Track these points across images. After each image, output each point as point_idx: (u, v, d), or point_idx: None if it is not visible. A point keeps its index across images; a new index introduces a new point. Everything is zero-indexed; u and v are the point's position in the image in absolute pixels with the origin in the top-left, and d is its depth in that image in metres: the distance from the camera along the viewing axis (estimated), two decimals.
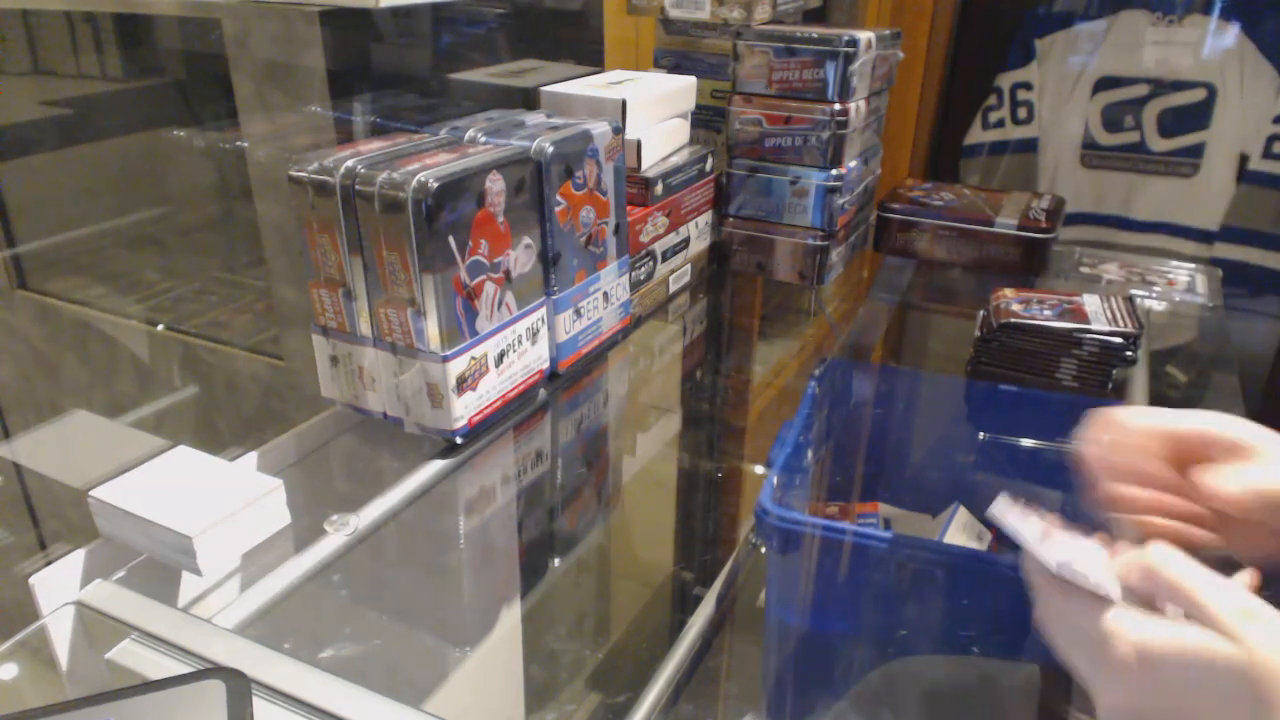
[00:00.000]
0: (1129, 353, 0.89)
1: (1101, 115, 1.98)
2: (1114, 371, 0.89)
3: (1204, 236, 1.96)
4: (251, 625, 0.54)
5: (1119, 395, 0.88)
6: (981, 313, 0.96)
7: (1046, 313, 0.91)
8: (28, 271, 1.41)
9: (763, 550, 0.79)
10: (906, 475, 1.23)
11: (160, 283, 1.38)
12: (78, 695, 0.41)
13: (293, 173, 0.64)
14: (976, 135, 2.10)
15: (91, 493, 0.56)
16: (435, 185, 0.60)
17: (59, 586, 0.53)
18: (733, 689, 0.86)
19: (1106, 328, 0.89)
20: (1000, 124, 2.07)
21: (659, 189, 0.92)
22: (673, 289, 1.01)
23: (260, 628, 0.54)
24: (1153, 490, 0.49)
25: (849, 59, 0.95)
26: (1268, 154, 1.85)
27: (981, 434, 1.14)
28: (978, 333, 0.94)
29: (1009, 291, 0.96)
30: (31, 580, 0.52)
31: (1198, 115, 1.90)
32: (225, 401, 1.26)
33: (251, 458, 0.66)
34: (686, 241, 1.01)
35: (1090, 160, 2.02)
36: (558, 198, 0.73)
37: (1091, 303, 0.94)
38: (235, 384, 1.23)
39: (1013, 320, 0.90)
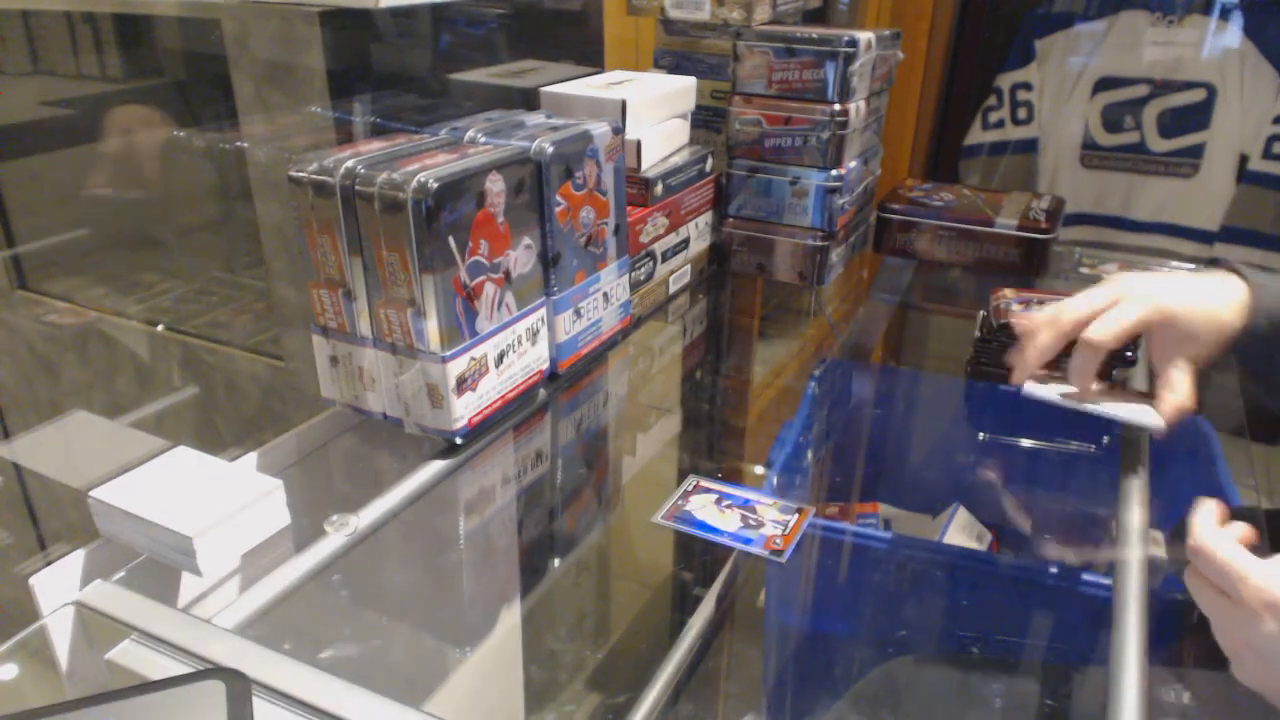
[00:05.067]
0: (1129, 353, 0.88)
1: (1101, 116, 1.99)
2: (1114, 372, 0.89)
3: (1204, 237, 1.96)
4: (251, 626, 0.54)
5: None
6: (981, 313, 0.96)
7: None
8: (28, 271, 1.42)
9: None
10: (906, 475, 1.23)
11: (160, 283, 1.38)
12: (78, 696, 0.41)
13: (292, 173, 0.64)
14: (976, 135, 2.10)
15: (91, 493, 0.56)
16: (435, 186, 0.60)
17: (59, 587, 0.53)
18: (732, 689, 0.86)
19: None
20: (1000, 124, 2.07)
21: (659, 189, 0.92)
22: (673, 289, 1.01)
23: (260, 628, 0.54)
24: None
25: (849, 59, 0.96)
26: (1267, 154, 1.85)
27: (981, 434, 1.14)
28: (977, 333, 0.94)
29: (1008, 292, 0.96)
30: (31, 580, 0.52)
31: (1198, 116, 1.91)
32: (225, 402, 1.26)
33: (251, 458, 0.66)
34: (686, 242, 1.01)
35: (1090, 160, 2.03)
36: (558, 198, 0.73)
37: None
38: (235, 384, 1.23)
39: (1012, 321, 0.90)
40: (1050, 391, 0.75)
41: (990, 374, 0.93)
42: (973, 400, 1.12)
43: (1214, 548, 0.52)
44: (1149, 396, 0.79)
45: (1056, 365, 0.77)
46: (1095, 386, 0.73)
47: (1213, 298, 0.69)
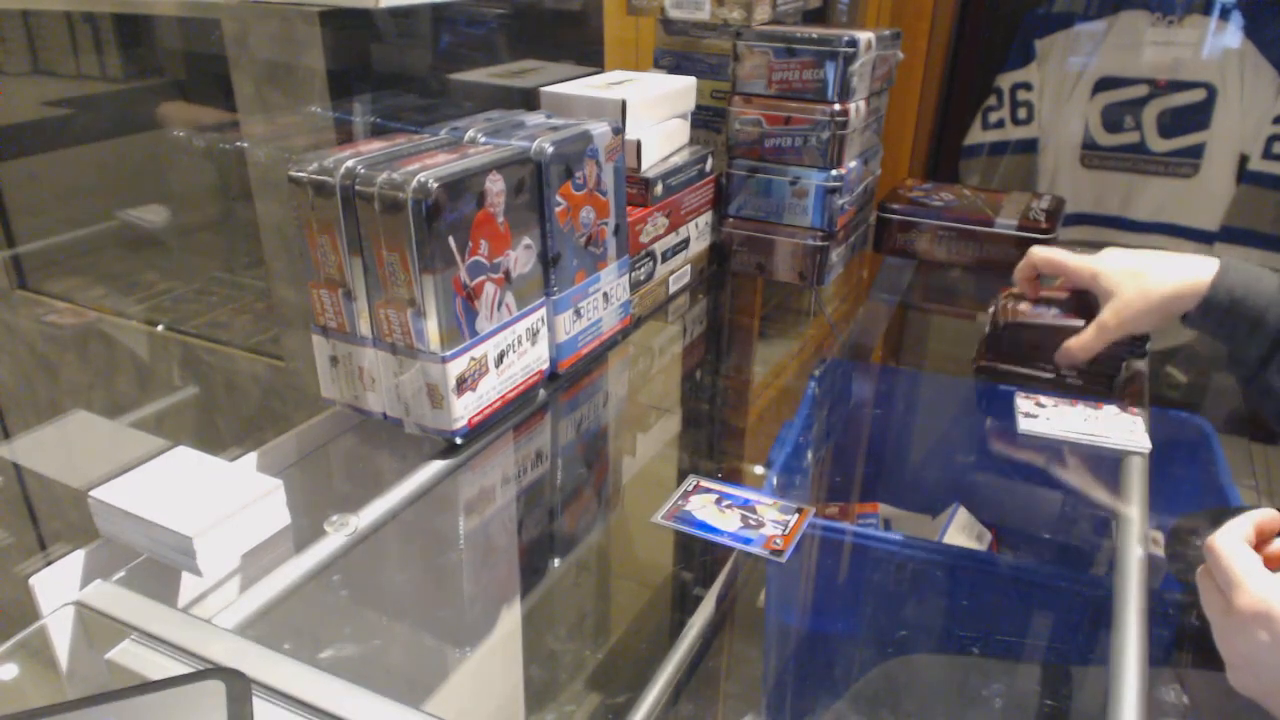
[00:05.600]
0: (1136, 347, 0.90)
1: (1101, 116, 1.98)
2: (1123, 365, 0.90)
3: (1204, 237, 1.96)
4: (251, 625, 0.54)
5: (1120, 395, 0.88)
6: (991, 309, 0.97)
7: (1054, 310, 0.92)
8: (28, 271, 1.42)
9: None
10: (906, 475, 1.23)
11: (160, 283, 1.38)
12: (78, 696, 0.41)
13: (293, 173, 0.64)
14: (976, 135, 2.10)
15: (91, 493, 0.56)
16: (435, 186, 0.60)
17: (59, 587, 0.53)
18: (732, 689, 0.86)
19: None
20: (1000, 124, 2.07)
21: (659, 189, 0.92)
22: (673, 289, 1.01)
23: (260, 628, 0.54)
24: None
25: (849, 59, 0.96)
26: (1267, 154, 1.85)
27: (981, 434, 1.14)
28: (987, 329, 0.95)
29: (1016, 289, 0.98)
30: (31, 580, 0.52)
31: (1197, 115, 1.90)
32: (225, 402, 1.26)
33: (251, 458, 0.66)
34: (686, 242, 1.01)
35: (1090, 160, 2.02)
36: (558, 198, 0.73)
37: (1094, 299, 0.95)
38: (235, 384, 1.23)
39: (1020, 320, 0.91)
40: (1044, 426, 0.82)
41: (1000, 370, 0.94)
42: (972, 400, 1.13)
43: (1222, 548, 0.52)
44: (1133, 409, 0.85)
45: (1045, 398, 0.87)
46: (1086, 411, 0.84)
47: (1176, 276, 0.81)
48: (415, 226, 0.60)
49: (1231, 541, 0.52)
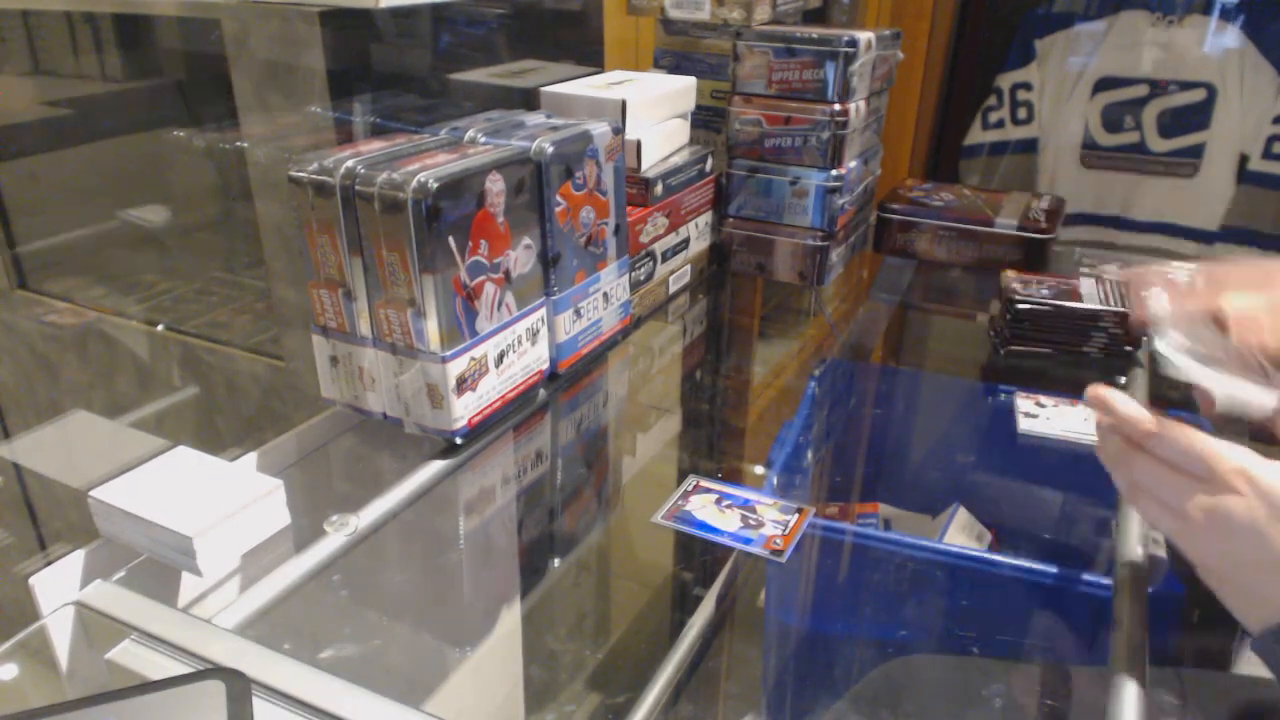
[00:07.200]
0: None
1: (1101, 115, 1.98)
2: (1142, 340, 0.93)
3: (1204, 237, 1.96)
4: (251, 625, 0.54)
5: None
6: (1003, 287, 0.98)
7: (1044, 292, 0.94)
8: (28, 271, 1.42)
9: None
10: (906, 475, 1.23)
11: (160, 283, 1.38)
12: (78, 695, 0.41)
13: (293, 173, 0.64)
14: (976, 135, 2.10)
15: (91, 493, 0.56)
16: (435, 185, 0.60)
17: (59, 587, 0.53)
18: (732, 689, 0.86)
19: (1117, 308, 0.92)
20: (1000, 124, 2.07)
21: (659, 189, 0.92)
22: (673, 289, 1.01)
23: (260, 628, 0.54)
24: None
25: (849, 59, 0.96)
26: (1267, 154, 1.85)
27: (981, 434, 1.14)
28: (1006, 313, 0.97)
29: (1011, 273, 0.99)
30: (31, 580, 0.52)
31: (1198, 115, 1.90)
32: (225, 402, 1.26)
33: (251, 458, 0.66)
34: (686, 242, 1.01)
35: (1090, 160, 2.02)
36: (558, 198, 0.73)
37: (1086, 285, 0.97)
38: (235, 384, 1.23)
39: (1032, 303, 0.93)
40: (1044, 426, 0.80)
41: (1021, 350, 0.96)
42: (973, 400, 1.13)
43: (1179, 432, 0.52)
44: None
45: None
46: (1086, 411, 0.79)
47: None
48: (415, 226, 0.60)
49: (1176, 425, 0.52)
